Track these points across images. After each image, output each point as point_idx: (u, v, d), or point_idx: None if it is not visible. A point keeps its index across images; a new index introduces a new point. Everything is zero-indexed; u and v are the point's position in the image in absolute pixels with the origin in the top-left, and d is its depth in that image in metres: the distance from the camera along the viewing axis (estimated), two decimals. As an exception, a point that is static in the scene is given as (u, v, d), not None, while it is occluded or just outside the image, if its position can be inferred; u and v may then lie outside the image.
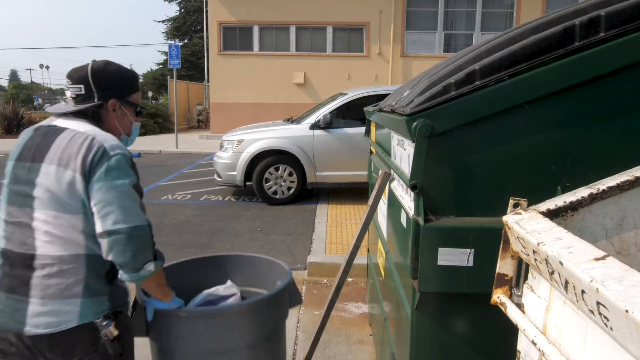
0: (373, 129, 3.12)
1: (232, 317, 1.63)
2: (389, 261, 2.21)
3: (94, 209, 1.35)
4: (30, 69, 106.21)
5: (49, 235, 1.36)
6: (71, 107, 1.47)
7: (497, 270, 1.04)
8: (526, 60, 1.40)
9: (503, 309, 1.00)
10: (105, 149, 1.37)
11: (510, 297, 1.03)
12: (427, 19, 15.10)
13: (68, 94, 1.49)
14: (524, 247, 0.91)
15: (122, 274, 1.39)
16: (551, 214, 0.95)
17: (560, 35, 1.39)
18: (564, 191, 1.43)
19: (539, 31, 1.44)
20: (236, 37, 15.19)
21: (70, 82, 1.49)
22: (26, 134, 1.49)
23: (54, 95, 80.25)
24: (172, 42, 33.82)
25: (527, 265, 0.98)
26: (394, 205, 2.03)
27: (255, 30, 15.11)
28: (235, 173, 6.65)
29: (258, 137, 6.73)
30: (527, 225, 0.90)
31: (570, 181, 1.44)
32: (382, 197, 2.34)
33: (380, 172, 2.43)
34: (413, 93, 1.61)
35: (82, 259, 1.38)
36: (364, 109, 3.38)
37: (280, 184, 6.66)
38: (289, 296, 1.85)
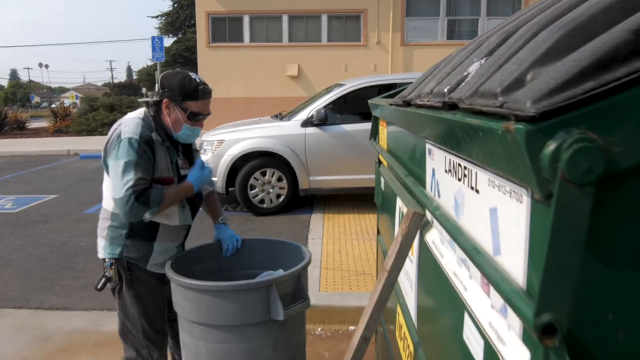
0: (384, 130, 2.17)
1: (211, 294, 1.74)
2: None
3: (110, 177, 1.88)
4: (28, 68, 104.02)
5: (105, 194, 1.95)
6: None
7: None
8: None
9: None
10: (120, 133, 1.81)
11: None
12: (428, 4, 14.08)
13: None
14: None
15: None
16: None
17: None
18: None
19: None
20: (225, 28, 14.17)
21: (158, 82, 2.47)
22: None
23: (52, 93, 78.89)
24: (166, 37, 32.65)
25: None
26: (437, 277, 1.09)
27: (246, 20, 14.09)
28: (215, 179, 5.70)
29: (241, 137, 5.76)
30: None
31: None
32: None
33: (403, 209, 1.49)
34: (513, 63, 0.64)
35: (110, 213, 1.92)
36: (369, 101, 2.43)
37: (268, 191, 5.71)
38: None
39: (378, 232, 2.46)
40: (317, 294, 3.27)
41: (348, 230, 5.05)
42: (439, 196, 1.07)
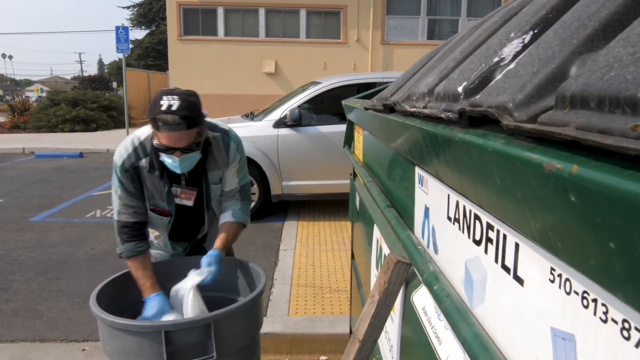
0: (359, 137, 1.82)
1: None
2: None
3: None
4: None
5: None
6: None
7: None
8: None
9: None
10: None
11: None
12: (409, 2, 13.83)
13: None
14: None
15: None
16: None
17: None
18: None
19: None
20: (198, 21, 13.61)
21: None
22: None
23: (17, 86, 75.64)
24: (138, 29, 31.52)
25: None
26: (423, 348, 0.74)
27: (220, 12, 13.55)
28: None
29: (209, 137, 5.33)
30: None
31: None
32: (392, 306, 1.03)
33: (382, 243, 1.14)
34: None
35: None
36: (343, 102, 2.08)
37: (238, 197, 5.30)
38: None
39: (352, 257, 2.11)
40: (286, 320, 2.90)
41: (323, 240, 4.69)
42: (435, 251, 0.72)
